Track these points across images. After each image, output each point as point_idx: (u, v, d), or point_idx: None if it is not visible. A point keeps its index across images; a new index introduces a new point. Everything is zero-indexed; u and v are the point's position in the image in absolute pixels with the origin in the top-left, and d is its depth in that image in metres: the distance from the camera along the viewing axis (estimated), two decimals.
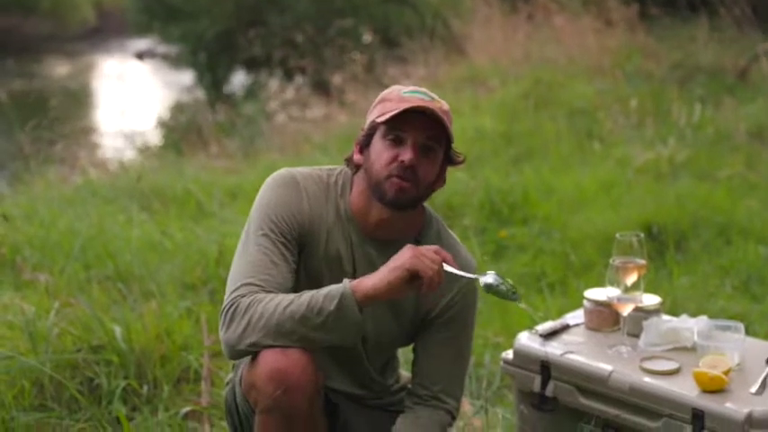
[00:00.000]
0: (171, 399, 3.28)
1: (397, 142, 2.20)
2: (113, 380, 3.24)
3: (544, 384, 2.68)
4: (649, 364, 2.54)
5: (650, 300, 2.78)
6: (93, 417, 3.10)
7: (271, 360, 2.10)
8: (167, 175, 6.28)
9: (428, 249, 2.13)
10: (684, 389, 2.42)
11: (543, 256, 4.88)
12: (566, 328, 2.82)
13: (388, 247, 2.23)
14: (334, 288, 2.11)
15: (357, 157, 2.30)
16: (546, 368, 2.68)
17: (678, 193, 5.44)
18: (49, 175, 6.44)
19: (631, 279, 2.58)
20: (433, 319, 2.36)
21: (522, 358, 2.73)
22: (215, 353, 3.46)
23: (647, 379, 2.49)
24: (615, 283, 2.59)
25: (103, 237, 4.58)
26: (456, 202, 5.54)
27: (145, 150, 8.74)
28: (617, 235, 2.64)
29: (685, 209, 5.14)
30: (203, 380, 3.35)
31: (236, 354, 2.18)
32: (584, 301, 2.83)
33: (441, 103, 2.24)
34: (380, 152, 2.22)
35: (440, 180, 2.30)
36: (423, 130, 2.19)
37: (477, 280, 2.19)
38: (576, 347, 2.70)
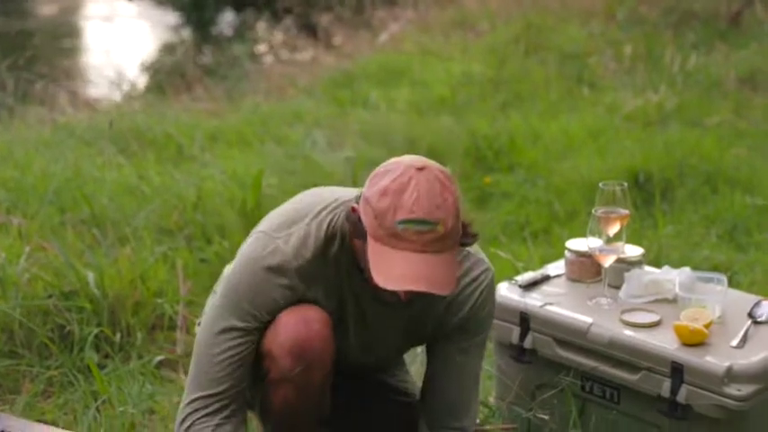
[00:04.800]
0: (144, 346, 3.22)
1: None
2: (85, 327, 3.17)
3: (523, 336, 2.63)
4: (630, 317, 2.49)
5: (632, 251, 2.72)
6: (63, 364, 3.04)
7: (293, 331, 1.98)
8: (148, 117, 6.13)
9: None
10: (664, 342, 2.38)
11: (528, 204, 4.80)
12: (546, 278, 2.77)
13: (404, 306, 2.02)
14: None
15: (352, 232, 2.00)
16: (525, 320, 2.63)
17: (666, 141, 5.35)
18: (27, 117, 6.30)
19: (614, 229, 2.53)
20: (450, 332, 2.21)
21: (501, 309, 2.66)
22: (190, 301, 3.39)
23: (627, 332, 2.45)
24: (597, 233, 2.53)
25: (79, 180, 4.46)
26: (440, 148, 5.43)
27: (128, 92, 8.59)
28: (600, 184, 2.58)
29: (673, 157, 5.06)
30: (178, 328, 3.30)
31: None
32: (566, 252, 2.77)
33: (441, 228, 1.86)
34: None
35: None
36: None
37: None
38: (555, 299, 2.64)
